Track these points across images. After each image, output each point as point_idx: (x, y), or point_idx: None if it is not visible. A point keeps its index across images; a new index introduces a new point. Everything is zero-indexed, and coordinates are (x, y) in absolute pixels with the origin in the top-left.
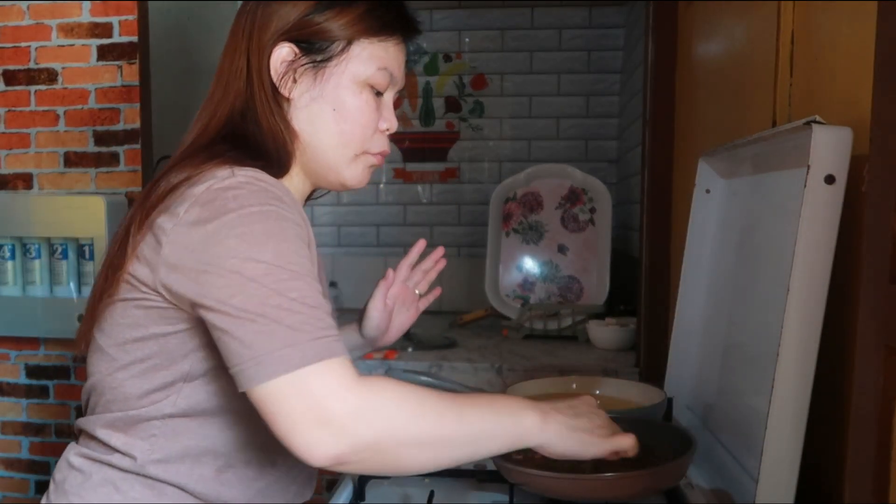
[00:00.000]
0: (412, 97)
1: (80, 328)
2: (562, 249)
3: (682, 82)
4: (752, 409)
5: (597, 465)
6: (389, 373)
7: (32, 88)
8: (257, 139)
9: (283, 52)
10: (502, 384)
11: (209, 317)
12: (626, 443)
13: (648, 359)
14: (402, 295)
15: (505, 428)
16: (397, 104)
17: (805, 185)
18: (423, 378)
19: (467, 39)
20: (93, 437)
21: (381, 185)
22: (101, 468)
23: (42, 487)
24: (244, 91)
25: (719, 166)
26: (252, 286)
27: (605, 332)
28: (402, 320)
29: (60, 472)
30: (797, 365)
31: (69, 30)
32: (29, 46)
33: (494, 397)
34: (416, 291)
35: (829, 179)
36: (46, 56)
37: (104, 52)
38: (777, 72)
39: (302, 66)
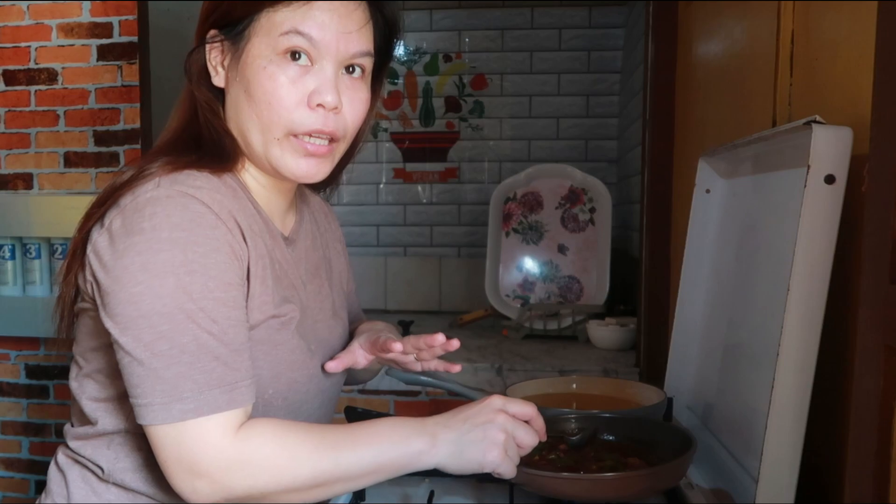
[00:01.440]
0: (412, 97)
1: (57, 334)
2: (562, 249)
3: (682, 82)
4: (753, 409)
5: (598, 465)
6: (390, 373)
7: (32, 88)
8: (204, 134)
9: (215, 44)
10: (502, 384)
11: (111, 338)
12: (526, 441)
13: (648, 359)
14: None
15: (389, 459)
16: (395, 104)
17: (805, 185)
18: (423, 378)
19: (467, 39)
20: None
21: (381, 186)
22: (82, 471)
23: (42, 487)
24: (190, 84)
25: (719, 166)
26: (144, 325)
27: (605, 332)
28: (362, 360)
29: (49, 473)
30: (797, 365)
31: (69, 30)
32: (29, 46)
33: (383, 427)
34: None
35: (830, 179)
36: (46, 56)
37: (104, 52)
38: (777, 72)
39: (225, 49)
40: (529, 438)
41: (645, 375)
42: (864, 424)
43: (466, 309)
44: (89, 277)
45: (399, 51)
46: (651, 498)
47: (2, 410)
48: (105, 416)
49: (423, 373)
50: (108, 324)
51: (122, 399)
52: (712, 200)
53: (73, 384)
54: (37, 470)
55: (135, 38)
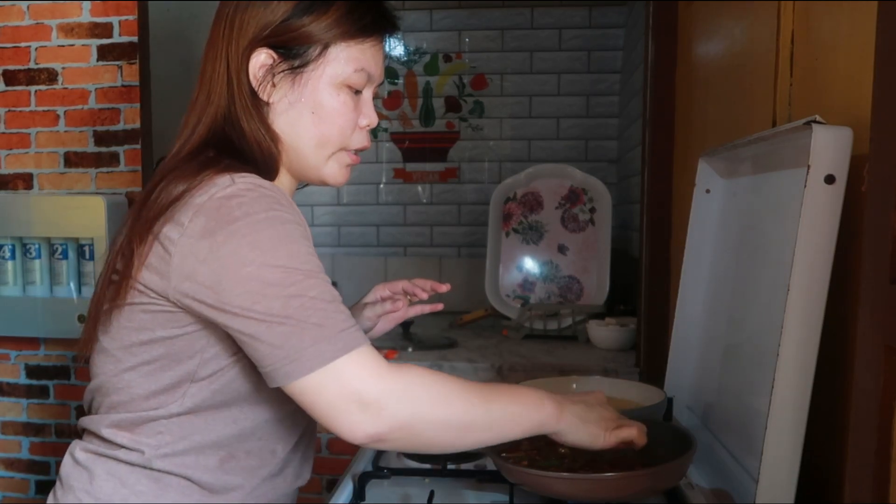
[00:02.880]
0: (412, 97)
1: (84, 332)
2: (562, 249)
3: (682, 82)
4: (753, 409)
5: (600, 461)
6: None
7: (32, 88)
8: (243, 145)
9: (261, 58)
10: None
11: (233, 322)
12: (632, 433)
13: (648, 359)
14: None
15: (526, 414)
16: (396, 104)
17: (805, 185)
18: None
19: (467, 39)
20: (97, 436)
21: (381, 186)
22: (107, 462)
23: (42, 487)
24: (226, 96)
25: (719, 166)
26: (273, 290)
27: (605, 332)
28: (385, 326)
29: (65, 469)
30: (797, 365)
31: (69, 30)
32: (29, 46)
33: (516, 387)
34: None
35: (830, 179)
36: (46, 56)
37: (104, 52)
38: (777, 71)
39: (280, 71)
40: (638, 433)
41: (645, 375)
42: (864, 424)
43: (466, 309)
44: (178, 279)
45: (399, 51)
46: (651, 498)
47: (2, 410)
48: (152, 403)
49: None
50: (230, 306)
51: (176, 386)
52: (712, 200)
53: (109, 379)
54: (37, 470)
55: (135, 38)
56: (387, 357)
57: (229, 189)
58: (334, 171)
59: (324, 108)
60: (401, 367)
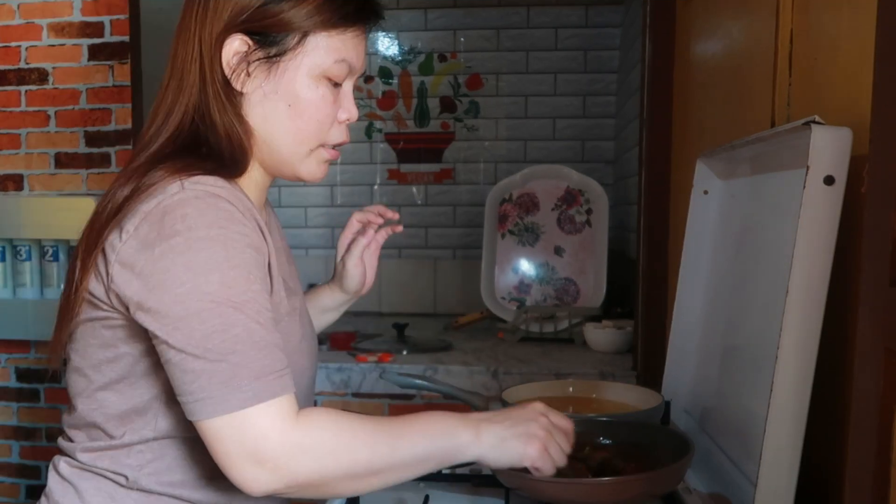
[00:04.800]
0: (407, 97)
1: (51, 346)
2: (558, 251)
3: (680, 82)
4: (751, 413)
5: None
6: (384, 376)
7: (23, 88)
8: (211, 137)
9: (235, 45)
10: (498, 387)
11: (155, 343)
12: (562, 447)
13: (646, 362)
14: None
15: (439, 449)
16: (390, 104)
17: (804, 186)
18: (418, 381)
19: (462, 39)
20: (76, 459)
21: (376, 187)
22: (94, 478)
23: (32, 492)
24: (198, 84)
25: (717, 167)
26: (194, 322)
27: (601, 335)
28: (371, 262)
29: (51, 485)
30: (796, 368)
31: (60, 29)
32: (19, 46)
33: (429, 418)
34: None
35: (829, 180)
36: (37, 56)
37: (95, 52)
38: (776, 71)
39: (256, 59)
40: (564, 446)
41: (642, 378)
42: (864, 427)
43: (462, 311)
44: (115, 289)
45: (393, 50)
46: (649, 502)
47: None
48: (127, 426)
49: (418, 377)
50: (154, 325)
51: (148, 406)
52: (710, 201)
53: (81, 400)
54: (27, 474)
55: (126, 38)
56: (381, 361)
57: (177, 196)
58: (311, 167)
59: (301, 100)
60: (308, 420)
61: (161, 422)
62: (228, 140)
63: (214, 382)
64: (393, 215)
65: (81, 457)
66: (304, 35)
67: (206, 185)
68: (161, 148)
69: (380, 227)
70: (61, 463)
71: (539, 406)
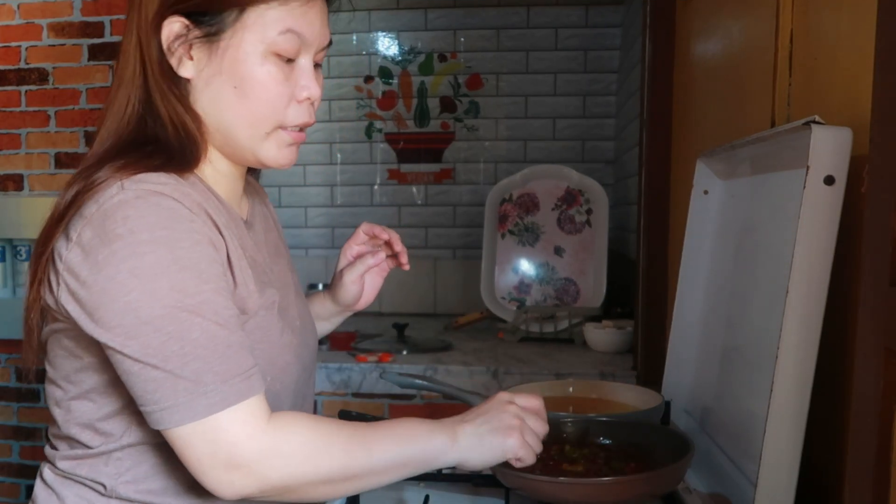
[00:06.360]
0: (407, 97)
1: (23, 356)
2: (558, 251)
3: (680, 82)
4: (751, 413)
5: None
6: (384, 376)
7: (23, 88)
8: (159, 131)
9: (174, 28)
10: (498, 388)
11: (109, 354)
12: (539, 428)
13: (646, 362)
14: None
15: (414, 455)
16: (390, 104)
17: (804, 187)
18: (418, 381)
19: (462, 39)
20: (58, 466)
21: (376, 187)
22: (75, 486)
23: (32, 492)
24: (140, 74)
25: (717, 167)
26: (148, 330)
27: (601, 335)
28: (373, 283)
29: (36, 490)
30: (796, 368)
31: (60, 29)
32: (19, 46)
33: (405, 425)
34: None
35: (829, 180)
36: (37, 56)
37: (95, 52)
38: (776, 71)
39: (195, 39)
40: (541, 426)
41: (642, 379)
42: (864, 427)
43: (462, 311)
44: (63, 298)
45: (393, 50)
46: (649, 502)
47: None
48: (103, 435)
49: (419, 377)
50: (105, 337)
51: (122, 413)
52: (710, 202)
53: (58, 410)
54: (27, 474)
55: None
56: (381, 361)
57: (116, 198)
58: (273, 152)
59: (246, 80)
60: (281, 423)
61: (135, 429)
62: (176, 131)
63: (179, 390)
64: (399, 248)
65: (61, 465)
66: (242, 9)
67: (147, 184)
68: (110, 146)
69: (388, 256)
70: (45, 469)
71: (503, 395)
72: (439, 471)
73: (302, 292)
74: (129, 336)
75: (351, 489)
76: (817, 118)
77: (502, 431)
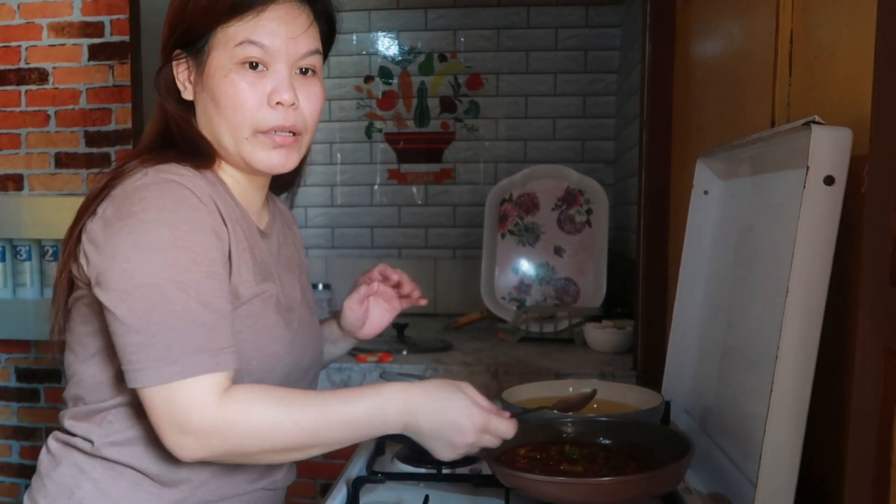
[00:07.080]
0: (407, 97)
1: (52, 332)
2: (558, 251)
3: (680, 82)
4: (751, 413)
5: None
6: (384, 376)
7: (23, 88)
8: (175, 140)
9: (178, 58)
10: (498, 388)
11: (106, 315)
12: (501, 429)
13: (646, 362)
14: (380, 292)
15: (362, 437)
16: (390, 104)
17: (804, 187)
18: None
19: (462, 39)
20: (63, 428)
21: (376, 187)
22: (70, 452)
23: None
24: (160, 101)
25: (717, 167)
26: (136, 295)
27: (601, 335)
28: (381, 316)
29: (41, 457)
30: (796, 368)
31: (60, 29)
32: (19, 46)
33: (360, 407)
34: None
35: (829, 180)
36: (37, 56)
37: (95, 52)
38: (776, 71)
39: (191, 65)
40: (495, 443)
41: (642, 379)
42: (864, 428)
43: (462, 311)
44: (83, 262)
45: (393, 50)
46: (648, 502)
47: None
48: (101, 393)
49: (419, 377)
50: (104, 297)
51: (119, 376)
52: (710, 202)
53: (71, 371)
54: (27, 474)
55: (126, 38)
56: (381, 361)
57: (138, 182)
58: (259, 155)
59: (216, 92)
60: (236, 397)
61: (126, 391)
62: (191, 143)
63: (151, 356)
64: (407, 290)
65: (66, 423)
66: (213, 32)
67: (167, 173)
68: (141, 149)
69: (401, 297)
70: (50, 439)
71: (479, 419)
72: (440, 471)
73: (314, 310)
74: (121, 299)
75: (299, 457)
76: (817, 118)
77: (452, 448)
